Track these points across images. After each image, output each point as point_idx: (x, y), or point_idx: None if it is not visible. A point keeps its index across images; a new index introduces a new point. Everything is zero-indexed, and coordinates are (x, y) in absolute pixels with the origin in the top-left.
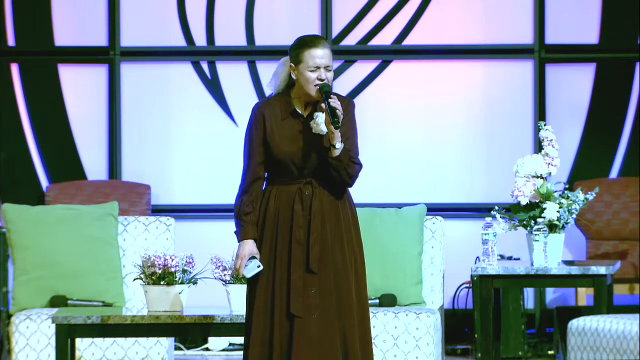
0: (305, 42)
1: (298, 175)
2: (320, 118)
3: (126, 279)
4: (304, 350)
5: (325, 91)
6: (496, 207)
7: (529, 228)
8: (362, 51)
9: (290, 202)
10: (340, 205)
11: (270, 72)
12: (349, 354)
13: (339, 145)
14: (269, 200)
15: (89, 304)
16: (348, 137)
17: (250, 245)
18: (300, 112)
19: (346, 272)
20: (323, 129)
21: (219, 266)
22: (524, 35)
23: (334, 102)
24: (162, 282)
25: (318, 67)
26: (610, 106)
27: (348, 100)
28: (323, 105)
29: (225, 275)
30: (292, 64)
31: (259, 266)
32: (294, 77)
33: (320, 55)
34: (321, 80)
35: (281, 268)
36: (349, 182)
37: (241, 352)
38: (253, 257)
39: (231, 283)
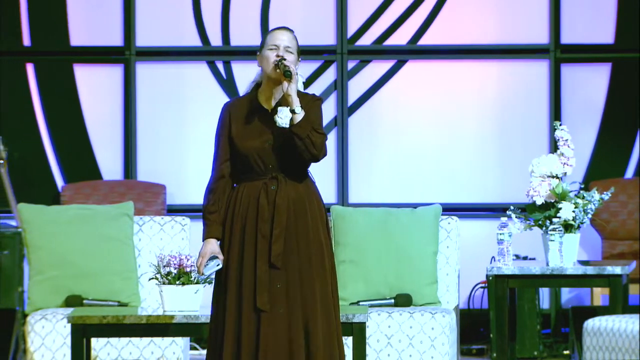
0: (270, 30)
1: (264, 170)
2: (284, 112)
3: (141, 279)
4: (270, 346)
5: (280, 61)
6: (511, 207)
7: (544, 228)
8: (378, 51)
9: (256, 197)
10: (308, 202)
11: None
12: (311, 351)
13: (298, 110)
14: (237, 197)
15: (104, 303)
16: (311, 118)
17: (212, 245)
18: (265, 107)
19: (310, 268)
20: (286, 122)
21: None
22: (540, 35)
23: (287, 62)
24: (177, 282)
25: (277, 46)
26: (626, 106)
27: (314, 95)
28: (278, 70)
29: None
30: (257, 53)
31: (218, 265)
32: (259, 66)
33: (279, 36)
34: (279, 56)
35: (248, 263)
36: (315, 152)
37: None
38: (215, 257)
39: None
